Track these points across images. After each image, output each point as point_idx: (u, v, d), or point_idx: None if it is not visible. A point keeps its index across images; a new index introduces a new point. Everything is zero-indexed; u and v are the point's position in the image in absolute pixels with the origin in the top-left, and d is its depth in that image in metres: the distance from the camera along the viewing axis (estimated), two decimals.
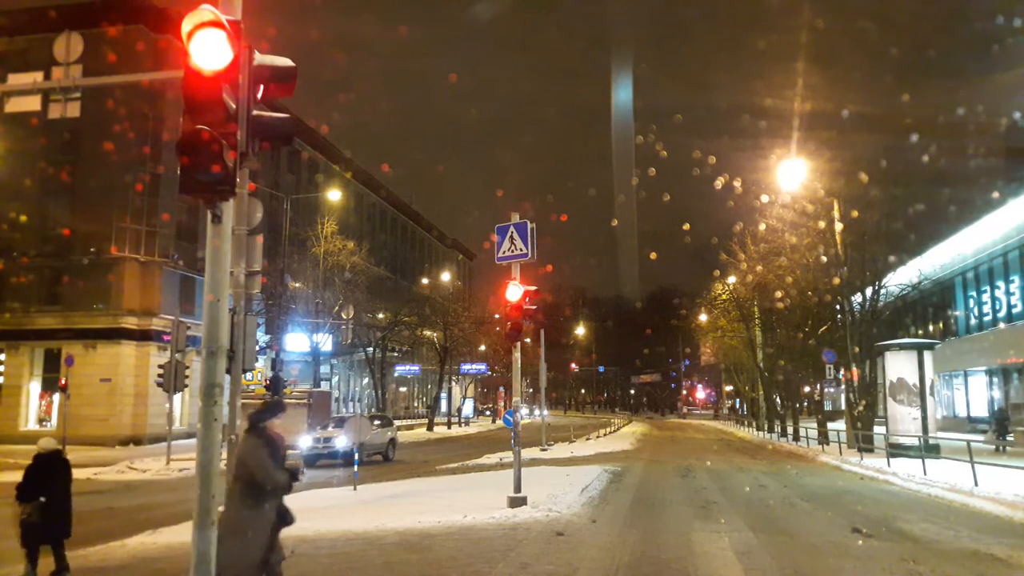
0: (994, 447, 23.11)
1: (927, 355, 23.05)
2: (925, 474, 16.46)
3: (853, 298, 27.37)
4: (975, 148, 27.73)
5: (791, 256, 28.89)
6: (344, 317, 34.26)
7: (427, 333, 50.81)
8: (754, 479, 18.13)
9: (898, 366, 23.20)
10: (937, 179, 27.02)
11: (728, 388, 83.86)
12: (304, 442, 20.88)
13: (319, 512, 11.60)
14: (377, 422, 24.07)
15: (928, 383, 22.84)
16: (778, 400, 40.80)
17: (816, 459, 24.57)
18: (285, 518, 5.42)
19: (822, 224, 26.51)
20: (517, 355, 12.05)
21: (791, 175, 26.91)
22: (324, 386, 45.77)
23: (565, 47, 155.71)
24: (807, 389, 43.08)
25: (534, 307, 11.29)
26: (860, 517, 11.55)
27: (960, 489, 14.35)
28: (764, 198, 28.76)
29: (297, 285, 35.21)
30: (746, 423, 52.97)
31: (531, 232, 11.18)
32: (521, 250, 11.09)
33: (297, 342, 36.24)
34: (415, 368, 57.89)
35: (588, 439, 36.65)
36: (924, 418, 22.28)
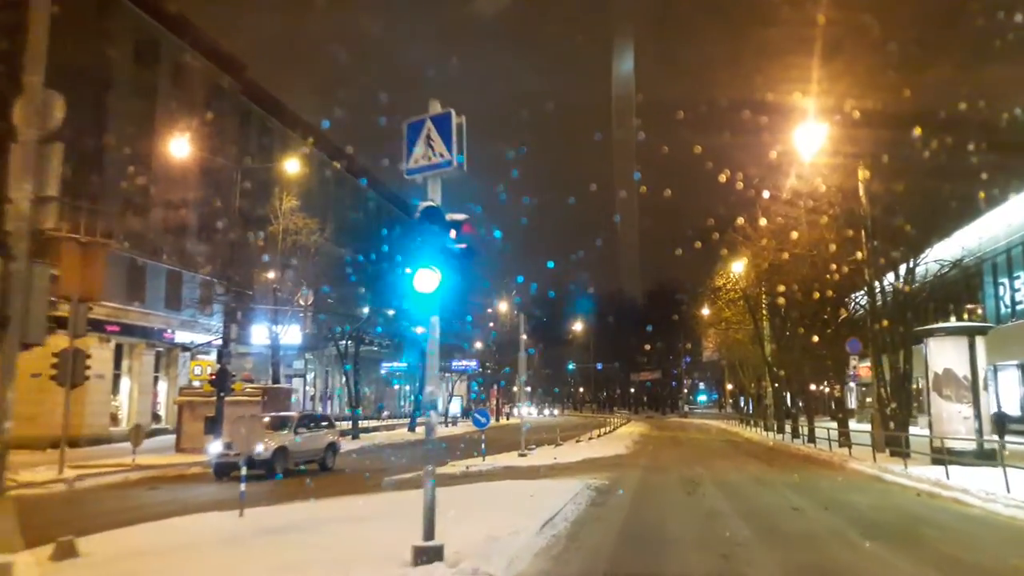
0: None
1: (979, 341, 19.21)
2: (1008, 491, 12.49)
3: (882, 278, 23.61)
4: None
5: (809, 234, 25.29)
6: (302, 304, 30.30)
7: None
8: (781, 497, 14.30)
9: (944, 355, 19.32)
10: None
11: (730, 387, 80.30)
12: (213, 447, 16.95)
13: (167, 554, 8.07)
14: (312, 423, 19.98)
15: (982, 375, 19.04)
16: (788, 397, 37.10)
17: (845, 466, 20.75)
18: None
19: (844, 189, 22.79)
20: (436, 332, 7.88)
21: (811, 139, 23.27)
22: (295, 383, 41.78)
23: (566, 42, 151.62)
24: (820, 385, 39.35)
25: (463, 244, 7.26)
26: (965, 570, 7.70)
27: None
28: (773, 186, 25.49)
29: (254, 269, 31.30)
30: (752, 422, 49.17)
31: (458, 129, 7.18)
32: (442, 155, 7.13)
33: (260, 334, 32.38)
34: (404, 364, 53.91)
35: (579, 441, 32.82)
36: (979, 417, 18.48)
